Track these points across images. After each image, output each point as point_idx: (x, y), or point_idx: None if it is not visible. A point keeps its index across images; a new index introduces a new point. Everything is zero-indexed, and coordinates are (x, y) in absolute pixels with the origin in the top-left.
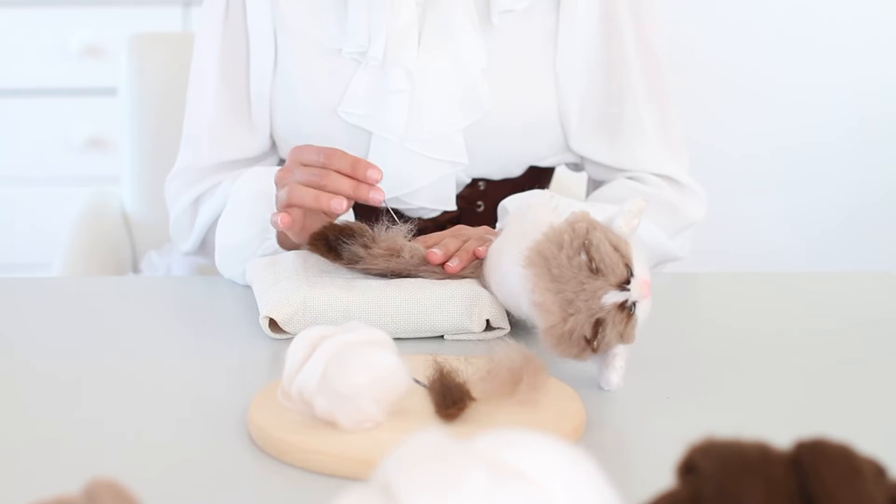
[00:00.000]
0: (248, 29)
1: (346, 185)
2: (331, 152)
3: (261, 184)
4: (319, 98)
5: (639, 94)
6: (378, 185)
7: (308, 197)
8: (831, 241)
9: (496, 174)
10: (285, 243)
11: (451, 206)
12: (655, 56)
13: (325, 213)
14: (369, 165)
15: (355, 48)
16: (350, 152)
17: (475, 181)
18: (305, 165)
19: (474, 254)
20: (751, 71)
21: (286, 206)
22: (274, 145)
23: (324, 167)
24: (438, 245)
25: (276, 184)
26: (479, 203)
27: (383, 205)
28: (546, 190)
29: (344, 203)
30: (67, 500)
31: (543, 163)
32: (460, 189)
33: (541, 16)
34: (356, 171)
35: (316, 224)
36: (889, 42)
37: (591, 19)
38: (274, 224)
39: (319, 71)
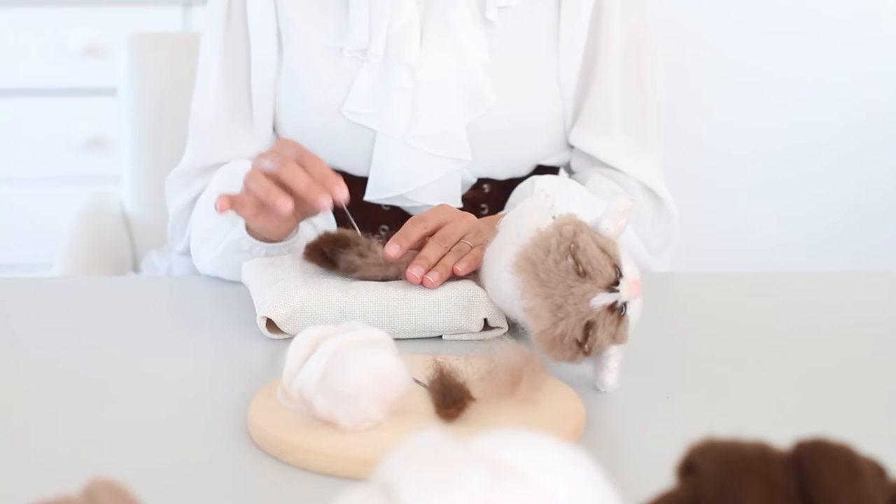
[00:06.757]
0: (249, 29)
1: (301, 180)
2: (310, 157)
3: (235, 174)
4: (324, 97)
5: (612, 89)
6: (379, 185)
7: (261, 190)
8: (831, 239)
9: (502, 174)
10: (253, 231)
11: (457, 204)
12: (638, 56)
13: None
14: (338, 184)
15: (356, 46)
16: (355, 150)
17: (480, 184)
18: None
19: (452, 271)
20: (750, 68)
21: (245, 192)
22: None
23: (298, 163)
24: (420, 257)
25: (253, 165)
26: (484, 206)
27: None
28: (543, 190)
29: (289, 205)
30: (67, 500)
31: (548, 161)
32: (466, 190)
33: (542, 14)
34: (325, 182)
35: (269, 218)
36: (889, 39)
37: (588, 15)
38: (215, 207)
39: (323, 70)
